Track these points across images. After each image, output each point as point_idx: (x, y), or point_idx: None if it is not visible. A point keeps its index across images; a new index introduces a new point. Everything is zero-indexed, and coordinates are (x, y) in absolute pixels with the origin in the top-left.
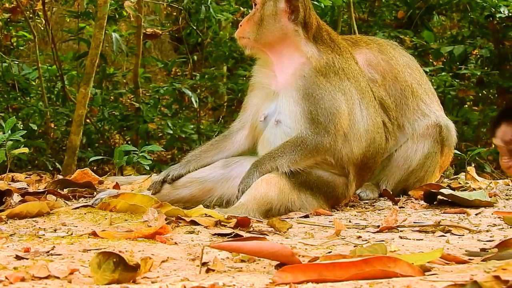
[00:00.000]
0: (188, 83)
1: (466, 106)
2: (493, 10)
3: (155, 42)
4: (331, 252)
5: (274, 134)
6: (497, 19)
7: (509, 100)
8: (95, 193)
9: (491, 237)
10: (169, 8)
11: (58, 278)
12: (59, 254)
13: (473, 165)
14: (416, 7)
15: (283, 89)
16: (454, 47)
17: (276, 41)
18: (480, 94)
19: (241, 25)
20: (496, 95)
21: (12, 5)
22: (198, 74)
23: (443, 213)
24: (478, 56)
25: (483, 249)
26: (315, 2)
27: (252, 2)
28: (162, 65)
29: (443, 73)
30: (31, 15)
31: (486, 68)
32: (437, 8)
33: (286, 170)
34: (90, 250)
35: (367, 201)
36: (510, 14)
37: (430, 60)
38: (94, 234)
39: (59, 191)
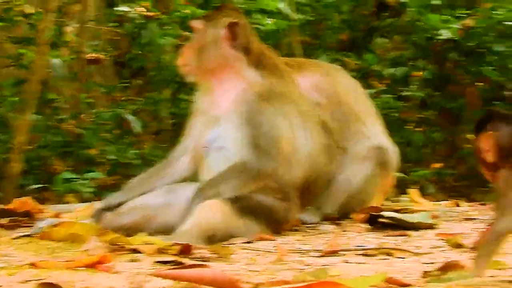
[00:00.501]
0: (130, 108)
1: (409, 127)
2: (434, 32)
3: (97, 67)
4: (274, 278)
5: (217, 160)
6: (438, 41)
7: (487, 111)
8: (35, 222)
9: (433, 259)
10: (112, 33)
11: None
12: None
13: (416, 187)
14: (359, 30)
15: (225, 115)
16: (396, 69)
17: (217, 68)
18: (422, 115)
19: (182, 52)
20: (439, 116)
21: None
22: (141, 99)
23: (386, 236)
24: (421, 77)
25: (425, 272)
26: (258, 26)
27: (193, 29)
28: (104, 91)
29: (386, 95)
30: None
31: (428, 89)
32: (380, 31)
33: (229, 196)
34: (30, 280)
35: (310, 225)
36: (450, 36)
37: (373, 82)
38: (33, 265)
39: None
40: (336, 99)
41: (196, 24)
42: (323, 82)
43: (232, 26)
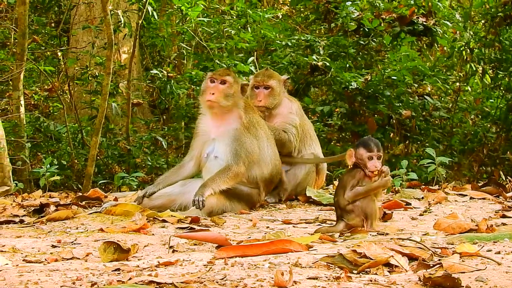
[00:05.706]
0: (160, 133)
1: (332, 143)
2: (347, 84)
3: (139, 108)
4: (250, 237)
5: (213, 165)
6: (350, 89)
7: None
8: (102, 203)
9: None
10: (148, 87)
11: (78, 258)
12: (79, 243)
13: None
14: (300, 83)
15: (219, 136)
16: (324, 107)
17: (228, 106)
18: (340, 136)
19: (213, 94)
20: (351, 136)
21: (49, 87)
22: (166, 127)
23: (319, 210)
24: (339, 112)
25: (341, 234)
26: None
27: (221, 80)
28: (144, 122)
29: (317, 123)
30: (61, 93)
31: (343, 119)
32: (313, 84)
33: (222, 187)
34: (99, 240)
35: (271, 204)
36: (357, 86)
37: (310, 116)
38: (101, 230)
39: (79, 203)
40: (301, 124)
41: (228, 79)
42: (298, 111)
43: (243, 85)
